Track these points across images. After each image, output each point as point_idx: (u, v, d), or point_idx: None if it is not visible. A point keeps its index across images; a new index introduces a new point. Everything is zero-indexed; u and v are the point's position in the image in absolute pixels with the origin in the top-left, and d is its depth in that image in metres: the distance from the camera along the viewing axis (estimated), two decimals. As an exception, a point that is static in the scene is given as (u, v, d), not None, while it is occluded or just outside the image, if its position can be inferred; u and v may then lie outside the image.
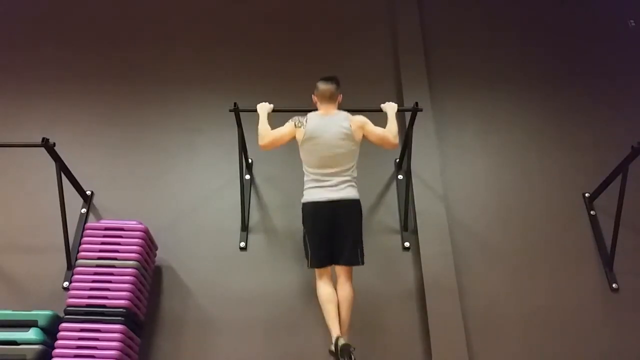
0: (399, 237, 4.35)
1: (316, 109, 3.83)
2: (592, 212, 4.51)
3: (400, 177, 4.60)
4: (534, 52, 5.40)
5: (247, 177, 4.56)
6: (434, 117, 4.75)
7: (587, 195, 4.58)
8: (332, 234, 3.58)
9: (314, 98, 3.85)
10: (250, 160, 4.61)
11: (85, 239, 3.84)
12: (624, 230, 4.13)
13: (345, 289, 3.53)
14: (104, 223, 3.95)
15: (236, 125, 4.19)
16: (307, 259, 3.65)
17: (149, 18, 5.54)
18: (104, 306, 3.60)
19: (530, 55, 5.38)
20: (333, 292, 3.52)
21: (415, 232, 4.27)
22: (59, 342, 3.49)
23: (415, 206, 4.35)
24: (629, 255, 4.27)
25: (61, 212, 3.95)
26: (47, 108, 4.93)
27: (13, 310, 3.68)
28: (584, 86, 5.19)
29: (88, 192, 4.46)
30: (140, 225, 3.91)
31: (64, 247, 4.03)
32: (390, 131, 3.77)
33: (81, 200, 4.42)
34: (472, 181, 4.66)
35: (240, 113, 4.11)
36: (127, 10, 5.58)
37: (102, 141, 4.77)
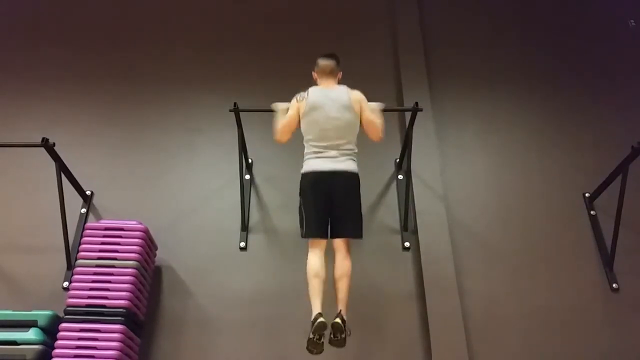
0: (399, 237, 4.35)
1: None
2: (592, 212, 4.51)
3: (400, 177, 4.60)
4: (534, 52, 5.40)
5: (247, 177, 4.56)
6: (434, 117, 4.75)
7: (587, 195, 4.58)
8: (330, 206, 3.51)
9: (314, 75, 3.85)
10: (250, 160, 4.61)
11: (85, 239, 3.84)
12: (624, 230, 4.13)
13: (344, 264, 3.45)
14: (104, 223, 3.95)
15: (236, 125, 4.19)
16: (302, 228, 3.54)
17: (149, 18, 5.54)
18: (103, 306, 3.60)
19: (530, 55, 5.38)
20: (323, 267, 3.41)
21: (415, 232, 4.27)
22: (59, 342, 3.49)
23: (415, 206, 4.35)
24: (629, 255, 4.26)
25: (61, 212, 3.95)
26: (47, 108, 4.94)
27: (13, 310, 3.69)
28: (584, 86, 5.19)
29: (88, 192, 4.47)
30: (140, 225, 3.91)
31: (64, 247, 4.03)
32: (380, 123, 3.75)
33: (81, 200, 4.42)
34: (472, 181, 4.66)
35: (240, 113, 4.11)
36: (127, 11, 5.58)
37: (102, 141, 4.78)
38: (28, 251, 4.25)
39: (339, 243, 3.53)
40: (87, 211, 4.43)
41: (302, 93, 3.72)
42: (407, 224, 4.34)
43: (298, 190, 3.62)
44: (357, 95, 3.73)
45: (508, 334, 3.99)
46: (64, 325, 3.55)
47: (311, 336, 3.23)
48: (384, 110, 4.62)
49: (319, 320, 3.20)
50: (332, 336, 3.25)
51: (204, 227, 4.37)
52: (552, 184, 4.65)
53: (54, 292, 4.02)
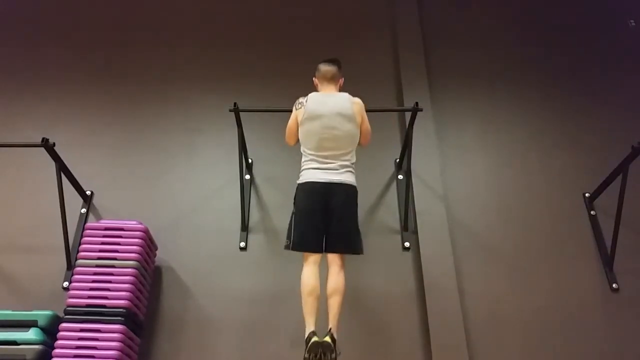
0: (399, 237, 4.35)
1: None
2: (592, 212, 4.51)
3: (400, 177, 4.60)
4: (534, 52, 5.40)
5: (247, 177, 4.56)
6: (434, 117, 4.75)
7: (587, 195, 4.57)
8: (325, 219, 3.40)
9: (315, 81, 3.79)
10: (250, 160, 4.61)
11: (85, 239, 3.84)
12: (624, 230, 4.13)
13: (338, 279, 3.31)
14: (104, 223, 3.95)
15: (236, 125, 4.19)
16: (288, 239, 3.41)
17: (149, 18, 5.54)
18: (103, 306, 3.60)
19: (530, 55, 5.38)
20: (317, 283, 3.28)
21: (415, 232, 4.27)
22: (59, 342, 3.49)
23: (415, 206, 4.35)
24: (629, 255, 4.26)
25: (61, 212, 3.95)
26: (47, 108, 4.94)
27: (13, 310, 3.69)
28: (584, 86, 5.19)
29: (88, 192, 4.47)
30: (140, 225, 3.91)
31: (64, 247, 4.03)
32: (370, 130, 3.74)
33: (81, 200, 4.42)
34: (472, 181, 4.66)
35: (240, 113, 4.11)
36: (127, 11, 5.58)
37: (102, 141, 4.78)
38: (28, 251, 4.25)
39: (333, 257, 3.40)
40: (87, 211, 4.43)
41: (301, 100, 3.64)
42: (407, 224, 4.34)
43: (294, 197, 3.56)
44: (359, 105, 3.64)
45: (508, 334, 3.99)
46: (64, 325, 3.55)
47: (306, 356, 3.09)
48: (384, 111, 4.67)
49: (312, 339, 3.10)
50: (321, 355, 3.08)
51: (204, 227, 4.37)
52: (552, 184, 4.65)
53: (54, 292, 4.02)
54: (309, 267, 3.35)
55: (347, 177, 3.50)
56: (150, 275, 4.03)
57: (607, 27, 5.63)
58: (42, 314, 3.64)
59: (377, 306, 4.05)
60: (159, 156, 4.71)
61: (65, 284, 4.05)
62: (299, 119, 3.59)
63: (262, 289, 4.11)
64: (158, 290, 4.12)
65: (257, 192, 4.57)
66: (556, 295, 4.14)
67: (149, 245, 3.97)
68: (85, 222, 4.27)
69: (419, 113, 4.12)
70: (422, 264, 4.08)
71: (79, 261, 3.77)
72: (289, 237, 3.45)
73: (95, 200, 4.50)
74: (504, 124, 4.96)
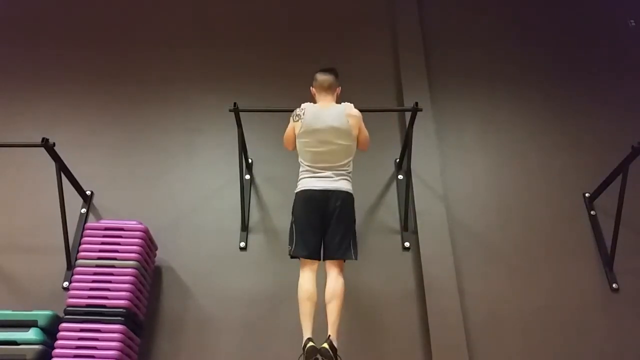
0: (399, 237, 4.35)
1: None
2: (592, 212, 4.51)
3: (400, 177, 4.60)
4: (534, 52, 5.40)
5: (247, 177, 4.56)
6: (434, 117, 4.74)
7: (587, 195, 4.57)
8: (323, 226, 3.44)
9: (312, 90, 3.78)
10: (250, 160, 4.61)
11: (85, 239, 3.84)
12: (624, 230, 4.13)
13: (337, 285, 3.32)
14: (104, 223, 3.95)
15: (236, 125, 4.19)
16: (290, 246, 3.46)
17: (149, 18, 5.54)
18: (103, 306, 3.60)
19: (530, 55, 5.38)
20: (314, 289, 3.31)
21: (415, 232, 4.27)
22: (59, 342, 3.49)
23: (415, 206, 4.35)
24: (629, 255, 4.26)
25: (61, 212, 3.95)
26: (47, 108, 4.94)
27: (13, 310, 3.69)
28: (584, 86, 5.19)
29: (88, 192, 4.47)
30: (140, 225, 3.91)
31: (64, 247, 4.03)
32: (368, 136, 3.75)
33: (81, 200, 4.42)
34: (472, 181, 4.66)
35: (240, 113, 4.11)
36: (127, 10, 5.58)
37: (102, 141, 4.78)
38: (28, 251, 4.25)
39: (331, 264, 3.42)
40: (87, 211, 4.43)
41: (298, 112, 3.64)
42: (407, 224, 4.34)
43: (292, 204, 3.57)
44: (356, 118, 3.62)
45: (508, 334, 3.99)
46: (64, 325, 3.55)
47: None
48: (384, 111, 4.67)
49: (309, 345, 3.10)
50: None
51: (204, 227, 4.37)
52: (552, 184, 4.65)
53: (54, 292, 4.02)
54: (306, 273, 3.39)
55: (343, 185, 3.52)
56: (150, 275, 4.03)
57: (607, 27, 5.62)
58: (42, 314, 3.64)
59: (377, 306, 4.05)
60: (159, 156, 4.71)
61: (65, 284, 4.06)
62: (296, 131, 3.62)
63: (262, 289, 4.11)
64: (158, 290, 4.12)
65: (257, 192, 4.56)
66: (556, 295, 4.14)
67: (149, 245, 3.97)
68: (85, 222, 4.27)
69: (419, 113, 4.12)
70: (422, 264, 4.08)
71: (79, 261, 3.77)
72: (290, 243, 3.49)
73: (95, 200, 4.50)
74: (504, 124, 4.96)
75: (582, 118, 5.00)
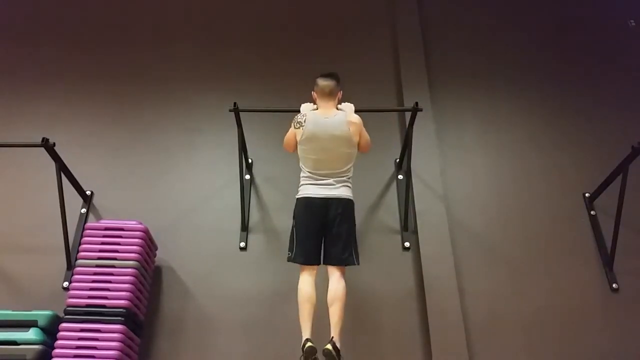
0: (399, 237, 4.35)
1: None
2: (592, 212, 4.51)
3: (400, 177, 4.60)
4: (534, 52, 5.40)
5: (247, 177, 4.56)
6: (434, 117, 4.74)
7: (587, 195, 4.58)
8: (323, 232, 3.50)
9: (314, 94, 3.79)
10: (250, 160, 4.61)
11: (85, 239, 3.84)
12: (624, 230, 4.13)
13: (338, 287, 3.38)
14: (104, 223, 3.95)
15: (236, 125, 4.19)
16: (290, 252, 3.52)
17: (149, 18, 5.54)
18: (103, 306, 3.60)
19: (530, 54, 5.38)
20: (313, 292, 3.38)
21: (415, 232, 4.27)
22: (59, 342, 3.49)
23: (415, 206, 4.35)
24: (629, 255, 4.26)
25: (61, 212, 3.95)
26: (47, 108, 4.93)
27: (13, 310, 3.68)
28: (584, 86, 5.19)
29: (88, 192, 4.46)
30: (140, 225, 3.91)
31: (64, 247, 4.03)
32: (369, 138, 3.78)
33: (81, 200, 4.42)
34: (472, 181, 4.66)
35: (240, 113, 4.11)
36: (128, 10, 5.58)
37: (102, 141, 4.78)
38: (28, 251, 4.25)
39: (332, 267, 3.48)
40: (87, 211, 4.43)
41: (299, 118, 3.65)
42: (407, 224, 4.34)
43: (294, 207, 3.62)
44: (356, 125, 3.64)
45: (508, 334, 3.99)
46: (64, 325, 3.55)
47: None
48: (384, 111, 4.67)
49: (307, 345, 3.17)
50: None
51: (204, 227, 4.37)
52: (552, 184, 4.65)
53: (54, 292, 4.02)
54: (305, 276, 3.45)
55: (343, 192, 3.57)
56: (150, 275, 4.03)
57: (607, 27, 5.62)
58: (42, 314, 3.63)
59: (377, 306, 4.05)
60: (159, 156, 4.71)
61: (65, 284, 4.05)
62: (298, 138, 3.65)
63: (262, 289, 4.11)
64: (158, 290, 4.12)
65: (257, 192, 4.56)
66: (556, 295, 4.14)
67: (149, 245, 3.97)
68: (85, 222, 4.27)
69: (419, 113, 4.12)
70: (422, 264, 4.08)
71: (79, 261, 3.77)
72: (290, 249, 3.55)
73: (95, 200, 4.50)
74: (504, 124, 4.96)
75: (582, 118, 5.00)
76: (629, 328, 4.04)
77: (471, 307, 4.03)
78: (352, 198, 3.59)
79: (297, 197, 3.63)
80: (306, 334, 3.26)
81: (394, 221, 4.42)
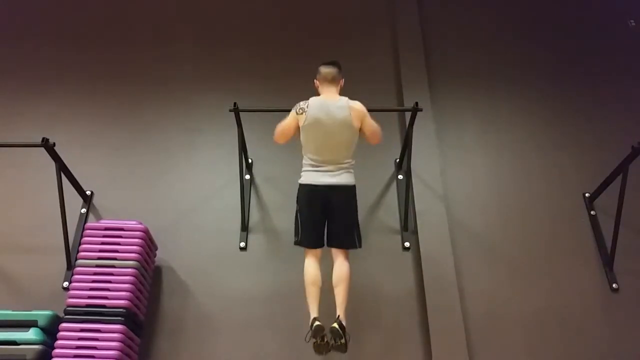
0: (399, 237, 4.35)
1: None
2: (592, 212, 4.51)
3: (400, 177, 4.60)
4: (534, 52, 5.40)
5: (247, 177, 4.56)
6: (434, 117, 4.75)
7: (587, 195, 4.58)
8: (326, 218, 3.59)
9: (316, 82, 3.83)
10: (250, 160, 4.61)
11: (85, 239, 3.84)
12: (624, 230, 4.13)
13: (342, 269, 3.49)
14: (104, 223, 3.95)
15: (236, 125, 4.19)
16: (296, 235, 3.64)
17: (149, 18, 5.54)
18: (103, 306, 3.60)
19: (530, 54, 5.38)
20: (318, 274, 3.49)
21: (415, 232, 4.27)
22: (59, 342, 3.49)
23: (415, 206, 4.35)
24: (629, 255, 4.26)
25: (61, 212, 3.95)
26: (47, 108, 4.93)
27: (13, 310, 3.69)
28: (584, 86, 5.19)
29: (88, 192, 4.47)
30: (140, 225, 3.91)
31: (64, 247, 4.03)
32: (379, 129, 3.78)
33: (81, 200, 4.42)
34: (472, 181, 4.66)
35: (240, 113, 4.11)
36: (127, 10, 5.58)
37: (102, 141, 4.78)
38: (28, 251, 4.25)
39: (337, 250, 3.58)
40: (87, 211, 4.43)
41: (302, 104, 3.69)
42: (407, 224, 4.34)
43: (296, 195, 3.67)
44: (358, 111, 3.68)
45: (508, 334, 3.99)
46: (64, 325, 3.55)
47: (313, 340, 3.30)
48: (384, 111, 4.67)
49: (315, 324, 3.29)
50: (332, 341, 3.29)
51: (204, 227, 4.37)
52: (552, 184, 4.65)
53: (54, 292, 4.02)
54: (310, 259, 3.56)
55: (344, 179, 3.62)
56: (150, 275, 4.03)
57: (607, 27, 5.62)
58: (42, 314, 3.63)
59: (377, 306, 4.05)
60: (159, 156, 4.71)
61: (65, 284, 4.05)
62: (300, 123, 3.68)
63: (262, 289, 4.11)
64: (158, 290, 4.12)
65: (257, 192, 4.57)
66: (556, 295, 4.14)
67: (149, 245, 3.97)
68: (85, 222, 4.27)
69: (419, 113, 4.12)
70: (422, 264, 4.08)
71: (79, 261, 3.77)
72: (296, 233, 3.65)
73: (95, 200, 4.50)
74: (504, 124, 4.96)
75: (582, 118, 5.00)
76: (629, 328, 4.04)
77: (471, 307, 4.03)
78: (353, 183, 3.66)
79: (299, 182, 3.68)
80: (314, 313, 3.38)
81: (394, 221, 4.42)
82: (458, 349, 3.75)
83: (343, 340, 3.27)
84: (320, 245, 3.59)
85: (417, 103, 4.09)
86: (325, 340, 3.29)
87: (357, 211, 3.67)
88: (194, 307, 4.06)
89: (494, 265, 4.26)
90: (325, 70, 3.79)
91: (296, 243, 3.65)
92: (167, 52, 5.28)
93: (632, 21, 5.65)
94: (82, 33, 5.41)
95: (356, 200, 3.67)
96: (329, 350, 3.33)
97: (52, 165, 3.96)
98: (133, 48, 5.31)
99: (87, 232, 3.87)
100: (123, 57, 5.25)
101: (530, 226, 4.45)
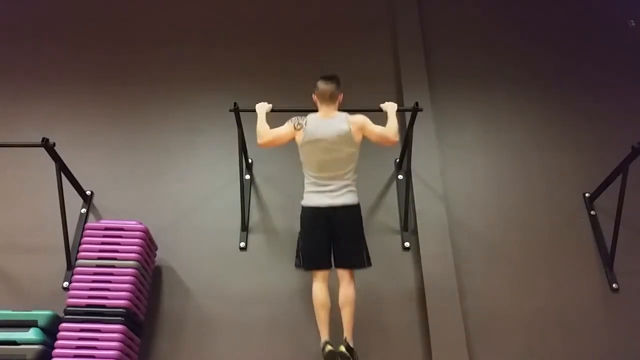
0: (399, 237, 4.35)
1: (316, 109, 3.79)
2: (592, 212, 4.51)
3: (400, 177, 4.60)
4: (534, 52, 5.40)
5: (247, 177, 4.56)
6: (434, 117, 4.74)
7: (587, 195, 4.58)
8: (331, 239, 3.56)
9: (314, 97, 3.80)
10: (250, 160, 4.61)
11: (85, 239, 3.84)
12: (624, 230, 4.13)
13: (348, 292, 3.49)
14: (104, 223, 3.95)
15: (236, 125, 4.19)
16: (297, 258, 3.65)
17: (149, 18, 5.54)
18: (103, 306, 3.60)
19: (530, 55, 5.38)
20: (327, 298, 3.49)
21: (415, 232, 4.27)
22: (59, 342, 3.49)
23: (415, 206, 4.35)
24: (629, 255, 4.26)
25: (61, 212, 3.95)
26: (47, 108, 4.93)
27: (13, 310, 3.68)
28: (584, 86, 5.19)
29: (88, 192, 4.47)
30: (140, 225, 3.91)
31: (64, 247, 4.03)
32: (390, 129, 3.72)
33: (81, 200, 4.42)
34: (472, 181, 4.66)
35: (240, 113, 4.11)
36: (127, 10, 5.58)
37: (102, 141, 4.78)
38: (28, 251, 4.25)
39: (341, 272, 3.56)
40: (87, 211, 4.43)
41: (299, 120, 3.68)
42: (407, 224, 4.34)
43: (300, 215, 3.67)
44: (358, 123, 3.65)
45: (508, 334, 3.99)
46: (64, 325, 3.55)
47: None
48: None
49: (327, 349, 3.34)
50: None
51: (204, 227, 4.37)
52: (552, 184, 4.65)
53: (54, 292, 4.02)
54: (318, 283, 3.55)
55: (348, 198, 3.60)
56: (150, 275, 4.02)
57: (607, 27, 5.62)
58: (42, 314, 3.63)
59: (377, 306, 4.04)
60: (159, 156, 4.71)
61: (65, 284, 4.05)
62: (298, 140, 3.67)
63: (262, 289, 4.11)
64: (158, 290, 4.12)
65: (257, 192, 4.56)
66: (556, 295, 4.14)
67: (149, 245, 3.97)
68: (85, 222, 4.27)
69: (419, 113, 4.12)
70: (422, 264, 4.08)
71: (79, 261, 3.77)
72: (297, 256, 3.66)
73: (95, 200, 4.50)
74: (504, 124, 4.96)
75: (582, 118, 5.00)
76: (629, 328, 4.04)
77: (471, 307, 4.03)
78: (357, 203, 3.64)
79: (302, 204, 3.66)
80: (324, 336, 3.42)
81: (394, 221, 4.42)
82: (458, 349, 3.75)
83: None
84: (327, 267, 3.56)
85: (417, 103, 4.09)
86: None
87: (363, 229, 3.65)
88: (194, 307, 4.06)
89: (494, 266, 4.26)
90: (323, 87, 3.73)
91: (297, 266, 3.66)
92: (167, 52, 5.28)
93: (632, 21, 5.65)
94: (82, 33, 5.41)
95: (361, 218, 3.65)
96: None
97: (52, 165, 3.96)
98: (133, 48, 5.31)
99: (87, 232, 3.87)
100: (123, 57, 5.25)
101: (530, 226, 4.45)
